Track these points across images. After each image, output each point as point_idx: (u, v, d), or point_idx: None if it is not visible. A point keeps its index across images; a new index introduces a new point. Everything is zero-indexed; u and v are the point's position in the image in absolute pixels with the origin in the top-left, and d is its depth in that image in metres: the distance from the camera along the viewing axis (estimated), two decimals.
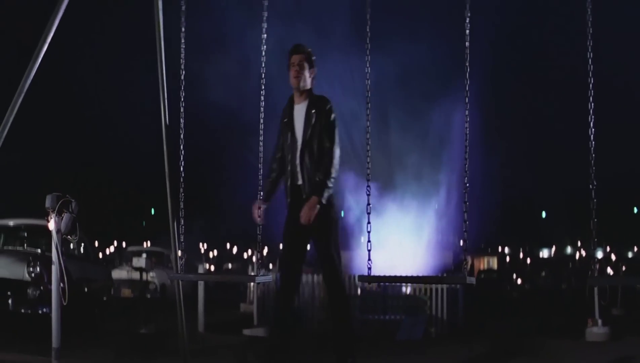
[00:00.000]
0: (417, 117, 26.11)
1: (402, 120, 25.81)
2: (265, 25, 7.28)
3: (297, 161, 7.96)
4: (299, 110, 8.10)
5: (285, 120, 8.15)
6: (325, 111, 8.00)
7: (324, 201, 7.69)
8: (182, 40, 7.60)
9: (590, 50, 5.70)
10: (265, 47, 7.25)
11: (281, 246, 8.11)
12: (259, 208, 7.73)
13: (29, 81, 7.81)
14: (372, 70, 6.86)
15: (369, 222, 6.45)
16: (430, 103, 25.87)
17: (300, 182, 7.95)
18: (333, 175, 7.84)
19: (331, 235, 7.82)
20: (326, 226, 7.83)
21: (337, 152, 7.89)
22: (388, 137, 25.68)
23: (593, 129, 5.62)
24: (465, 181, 6.09)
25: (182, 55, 7.66)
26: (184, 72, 7.58)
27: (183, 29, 7.67)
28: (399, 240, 23.68)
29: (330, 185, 7.80)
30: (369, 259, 6.29)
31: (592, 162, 5.59)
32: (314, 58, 8.21)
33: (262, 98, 7.41)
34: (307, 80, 8.12)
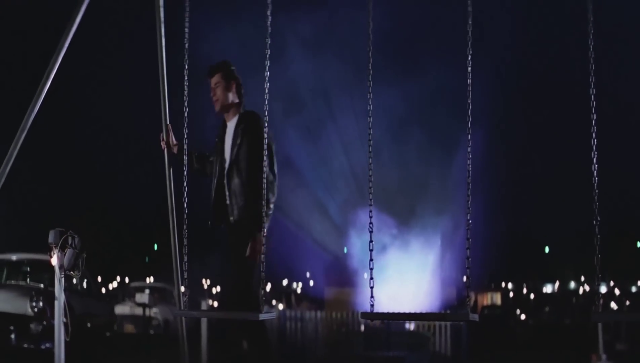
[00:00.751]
0: (422, 160, 26.19)
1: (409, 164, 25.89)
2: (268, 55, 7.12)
3: (225, 181, 7.70)
4: (230, 128, 7.82)
5: (216, 139, 7.85)
6: (254, 127, 7.59)
7: (264, 234, 7.18)
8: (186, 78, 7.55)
9: (592, 85, 5.72)
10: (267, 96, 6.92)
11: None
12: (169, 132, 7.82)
13: (32, 116, 7.82)
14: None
15: (371, 259, 6.42)
16: (432, 143, 25.96)
17: (227, 201, 7.67)
18: (272, 202, 7.57)
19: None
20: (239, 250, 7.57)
21: (272, 176, 7.58)
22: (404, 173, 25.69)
23: (596, 166, 5.62)
24: (468, 218, 6.09)
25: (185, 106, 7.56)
26: (187, 110, 7.54)
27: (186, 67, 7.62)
28: (402, 276, 23.67)
29: (269, 214, 7.49)
30: (372, 296, 6.26)
31: (596, 197, 5.59)
32: (232, 68, 7.86)
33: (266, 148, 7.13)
34: (229, 96, 7.79)
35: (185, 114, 7.31)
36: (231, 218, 7.65)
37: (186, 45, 7.18)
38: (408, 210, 24.89)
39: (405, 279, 23.95)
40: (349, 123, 25.13)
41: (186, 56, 7.18)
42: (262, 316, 6.90)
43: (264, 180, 6.96)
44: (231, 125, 7.80)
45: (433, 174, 25.71)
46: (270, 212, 7.57)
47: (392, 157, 25.46)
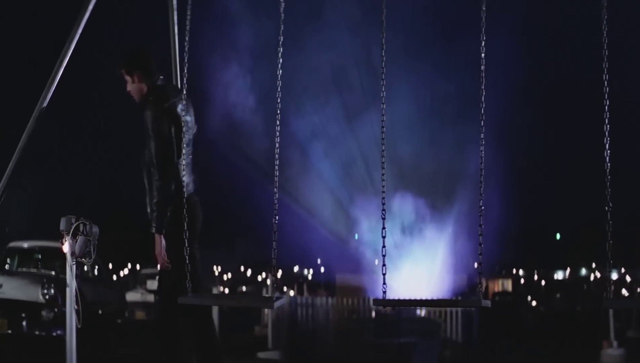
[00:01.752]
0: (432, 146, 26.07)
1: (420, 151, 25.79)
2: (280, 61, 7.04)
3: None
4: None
5: None
6: (145, 115, 7.31)
7: (163, 233, 7.27)
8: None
9: (606, 77, 5.69)
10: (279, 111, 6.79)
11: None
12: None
13: (47, 100, 7.82)
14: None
15: (383, 246, 6.39)
16: (448, 129, 25.82)
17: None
18: (162, 203, 7.26)
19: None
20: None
21: (160, 172, 7.20)
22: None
23: (609, 151, 5.60)
24: (480, 204, 6.07)
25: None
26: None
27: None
28: (414, 263, 23.66)
29: (162, 214, 7.27)
30: (384, 283, 6.22)
31: (608, 183, 5.56)
32: (129, 60, 7.51)
33: (277, 133, 7.09)
34: (136, 88, 7.47)
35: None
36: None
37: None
38: (423, 196, 24.82)
39: (416, 266, 23.93)
40: (361, 105, 24.98)
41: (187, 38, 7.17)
42: (277, 303, 6.80)
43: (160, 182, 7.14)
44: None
45: (446, 160, 25.61)
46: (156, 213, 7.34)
47: (413, 142, 25.38)
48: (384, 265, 6.28)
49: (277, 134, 6.67)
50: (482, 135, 6.02)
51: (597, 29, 5.87)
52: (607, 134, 5.56)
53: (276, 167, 7.05)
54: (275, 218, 7.16)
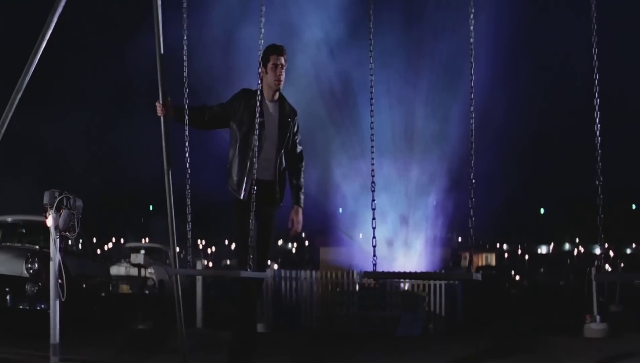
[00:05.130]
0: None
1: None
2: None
3: (272, 157, 7.87)
4: (273, 109, 7.93)
5: (258, 115, 7.55)
6: (297, 120, 8.04)
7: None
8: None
9: (595, 50, 5.68)
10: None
11: (239, 242, 7.78)
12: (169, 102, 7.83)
13: (28, 77, 7.77)
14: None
15: (374, 219, 6.40)
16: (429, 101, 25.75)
17: (271, 178, 7.86)
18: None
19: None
20: (274, 222, 8.02)
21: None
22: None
23: (599, 125, 5.59)
24: (471, 176, 6.07)
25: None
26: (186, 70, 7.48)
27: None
28: (397, 237, 23.71)
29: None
30: (374, 255, 6.24)
31: (599, 158, 5.55)
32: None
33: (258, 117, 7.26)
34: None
35: (185, 74, 7.32)
36: (277, 195, 7.98)
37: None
38: (404, 169, 24.83)
39: (399, 239, 24.00)
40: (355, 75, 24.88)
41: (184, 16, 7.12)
42: (244, 274, 6.92)
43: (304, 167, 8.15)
44: (274, 106, 7.93)
45: (430, 131, 25.59)
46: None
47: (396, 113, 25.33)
48: (374, 237, 6.30)
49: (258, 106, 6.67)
50: (472, 108, 6.01)
51: None
52: (597, 108, 5.55)
53: (255, 141, 7.07)
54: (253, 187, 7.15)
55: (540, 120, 67.02)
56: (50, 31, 7.78)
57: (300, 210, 7.90)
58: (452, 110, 23.32)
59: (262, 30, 7.12)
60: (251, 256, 7.01)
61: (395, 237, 23.83)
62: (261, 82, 7.72)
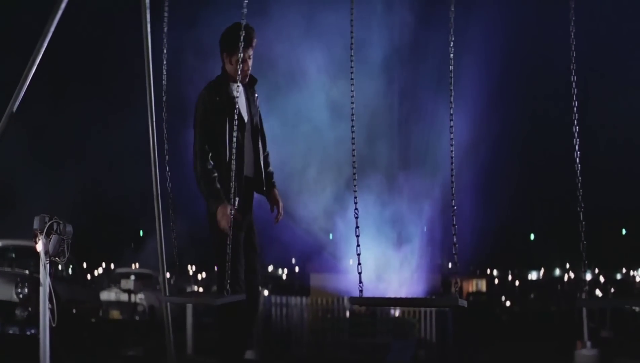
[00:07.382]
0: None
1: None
2: None
3: (251, 148, 7.12)
4: (241, 94, 7.07)
5: (235, 106, 6.72)
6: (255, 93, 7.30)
7: None
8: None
9: (574, 74, 5.74)
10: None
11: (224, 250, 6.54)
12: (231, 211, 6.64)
13: (23, 90, 7.79)
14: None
15: (358, 245, 6.38)
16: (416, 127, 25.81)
17: (252, 173, 7.13)
18: None
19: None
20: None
21: None
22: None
23: (579, 153, 5.65)
24: (453, 204, 6.09)
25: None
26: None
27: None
28: (387, 263, 23.70)
29: None
30: (360, 282, 6.21)
31: (579, 184, 5.61)
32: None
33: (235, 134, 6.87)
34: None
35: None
36: (264, 188, 7.27)
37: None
38: (393, 194, 24.82)
39: (389, 265, 23.97)
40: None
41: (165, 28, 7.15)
42: (219, 301, 6.38)
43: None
44: (240, 90, 7.04)
45: (418, 157, 25.60)
46: None
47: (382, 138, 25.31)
48: (359, 264, 6.27)
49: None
50: (451, 136, 6.04)
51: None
52: (576, 135, 5.61)
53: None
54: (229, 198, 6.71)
55: (530, 144, 67.13)
56: (39, 56, 7.81)
57: (278, 194, 7.19)
58: (442, 137, 23.42)
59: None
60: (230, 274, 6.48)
61: (384, 263, 23.80)
62: None
